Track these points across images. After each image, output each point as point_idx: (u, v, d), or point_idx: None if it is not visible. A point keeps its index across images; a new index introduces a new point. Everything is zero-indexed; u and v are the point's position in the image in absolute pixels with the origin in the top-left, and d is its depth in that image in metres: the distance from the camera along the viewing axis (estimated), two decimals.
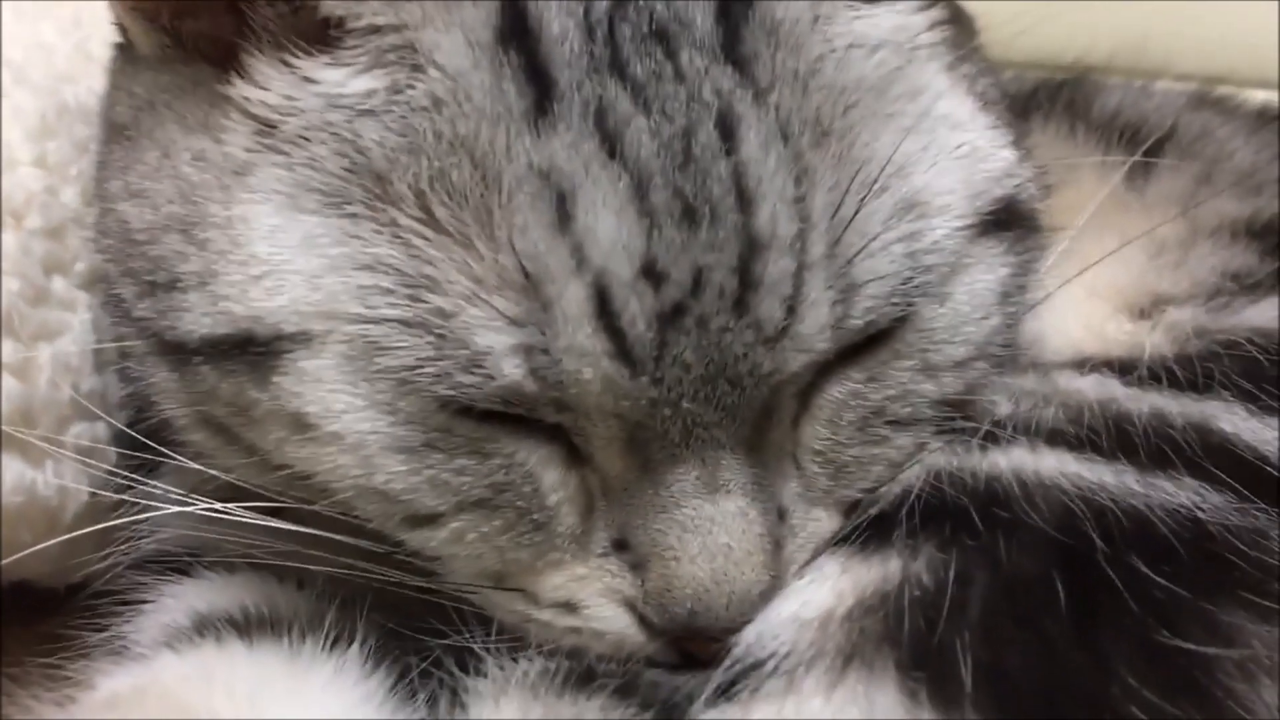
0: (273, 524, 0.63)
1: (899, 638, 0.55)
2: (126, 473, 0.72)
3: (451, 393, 0.57)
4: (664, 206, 0.56)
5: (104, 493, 0.76)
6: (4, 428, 0.70)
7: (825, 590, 0.59)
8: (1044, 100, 0.94)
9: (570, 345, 0.56)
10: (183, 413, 0.66)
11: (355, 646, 0.62)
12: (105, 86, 0.68)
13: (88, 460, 0.75)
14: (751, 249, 0.56)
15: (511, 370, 0.56)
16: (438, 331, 0.56)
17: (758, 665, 0.57)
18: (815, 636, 0.57)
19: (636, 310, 0.56)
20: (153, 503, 0.69)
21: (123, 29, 0.66)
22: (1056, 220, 0.73)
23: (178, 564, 0.74)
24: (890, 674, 0.54)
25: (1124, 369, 0.69)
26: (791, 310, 0.57)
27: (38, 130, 0.81)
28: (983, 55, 0.72)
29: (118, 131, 0.66)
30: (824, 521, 0.64)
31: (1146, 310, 0.73)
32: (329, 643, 0.62)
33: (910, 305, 0.61)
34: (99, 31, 0.85)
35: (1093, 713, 0.53)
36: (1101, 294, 0.75)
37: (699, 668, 0.61)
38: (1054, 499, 0.60)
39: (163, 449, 0.67)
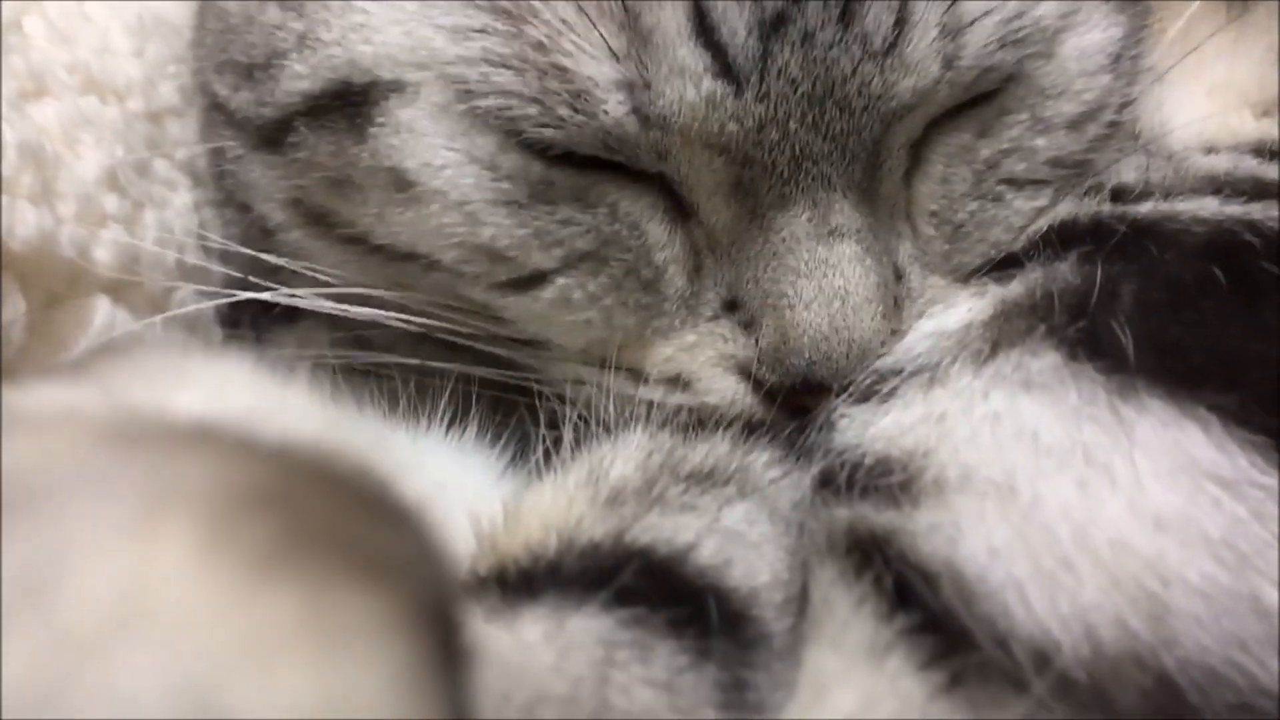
0: (381, 315, 0.62)
1: (1050, 317, 0.51)
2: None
3: (552, 132, 0.55)
4: None
5: None
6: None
7: (962, 310, 0.56)
8: None
9: (671, 67, 0.54)
10: (282, 206, 0.65)
11: (473, 428, 0.59)
12: None
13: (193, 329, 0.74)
14: None
15: (614, 107, 0.55)
16: (538, 66, 0.55)
17: (897, 371, 0.54)
18: (959, 338, 0.53)
19: (736, 19, 0.54)
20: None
21: None
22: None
23: None
24: (1043, 341, 0.51)
25: (1255, 151, 0.66)
26: (899, 25, 0.55)
27: (136, 28, 0.82)
28: None
29: None
30: (942, 289, 0.61)
31: (1270, 110, 0.71)
32: (446, 422, 0.60)
33: (1019, 62, 0.59)
34: None
35: (1263, 371, 0.49)
36: (1222, 90, 0.73)
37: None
38: (1204, 221, 0.57)
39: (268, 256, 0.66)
